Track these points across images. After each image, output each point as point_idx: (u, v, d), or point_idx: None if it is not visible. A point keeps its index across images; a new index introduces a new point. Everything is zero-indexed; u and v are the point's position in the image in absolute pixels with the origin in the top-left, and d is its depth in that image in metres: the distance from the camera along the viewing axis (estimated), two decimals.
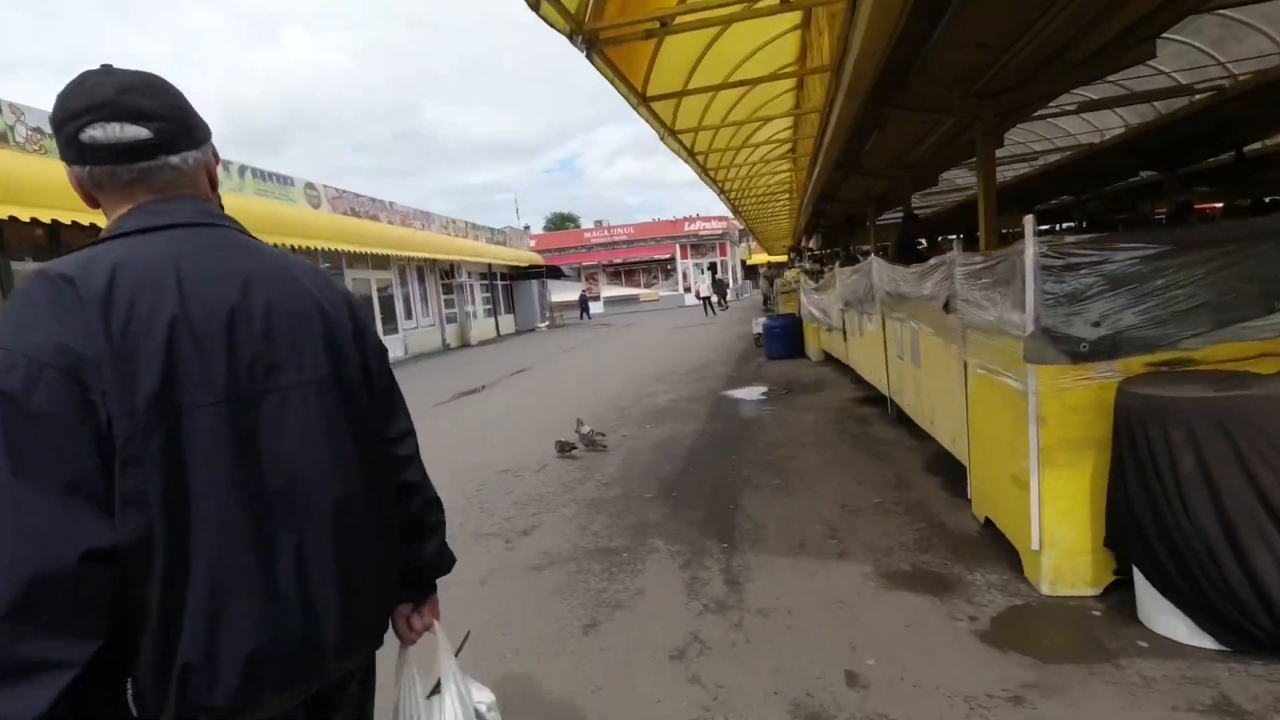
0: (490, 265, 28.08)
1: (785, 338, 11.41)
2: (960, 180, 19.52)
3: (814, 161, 10.29)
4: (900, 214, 23.18)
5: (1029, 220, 2.79)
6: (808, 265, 15.91)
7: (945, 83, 6.98)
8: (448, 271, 23.52)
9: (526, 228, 50.05)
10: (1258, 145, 13.44)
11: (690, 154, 10.83)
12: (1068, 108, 10.55)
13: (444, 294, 23.67)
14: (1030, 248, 2.72)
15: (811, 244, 20.95)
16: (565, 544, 4.10)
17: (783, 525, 4.01)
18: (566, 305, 40.05)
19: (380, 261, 19.30)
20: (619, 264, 42.77)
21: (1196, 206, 23.84)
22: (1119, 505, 2.67)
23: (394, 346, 19.89)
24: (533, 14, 3.64)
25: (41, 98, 14.45)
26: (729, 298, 29.25)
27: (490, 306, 28.64)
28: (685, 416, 7.49)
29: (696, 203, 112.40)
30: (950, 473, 4.43)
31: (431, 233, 22.67)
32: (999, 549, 3.31)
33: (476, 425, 8.37)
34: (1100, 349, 2.67)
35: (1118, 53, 6.49)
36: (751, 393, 8.64)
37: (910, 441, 5.40)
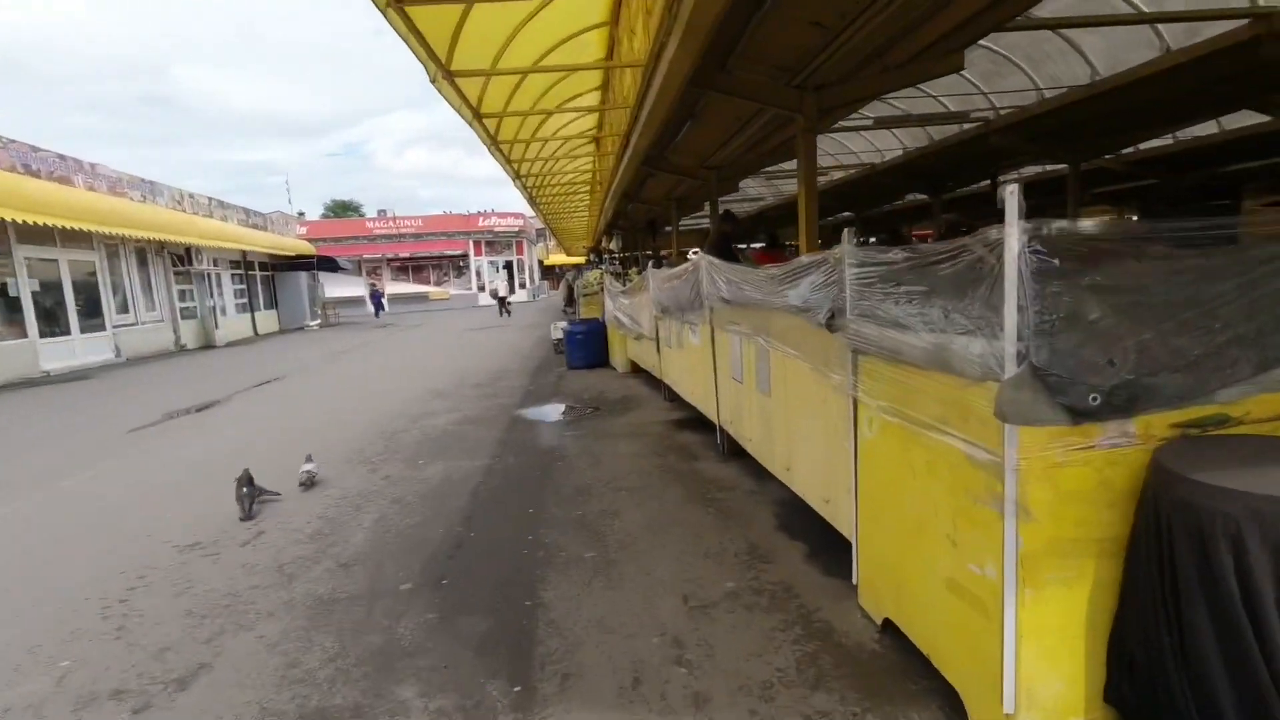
0: (245, 253, 23.78)
1: (588, 345, 10.25)
2: (752, 190, 20.05)
3: (623, 151, 9.28)
4: (705, 218, 23.26)
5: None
6: (610, 267, 15.00)
7: (768, 70, 6.41)
8: (182, 257, 19.26)
9: (301, 214, 44.22)
10: (1014, 175, 15.16)
11: (493, 139, 9.37)
12: (862, 122, 10.78)
13: (178, 284, 19.36)
14: (1015, 233, 1.67)
15: (612, 245, 20.23)
16: (247, 711, 2.42)
17: (606, 643, 2.70)
18: (345, 302, 35.79)
19: (75, 238, 15.02)
20: (406, 259, 39.22)
21: (917, 233, 26.66)
22: (1133, 643, 1.72)
23: (99, 348, 15.65)
24: None
25: None
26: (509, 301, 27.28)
27: (245, 301, 24.28)
28: (471, 447, 5.94)
29: (495, 200, 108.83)
30: (813, 533, 3.45)
31: (157, 206, 18.34)
32: (922, 678, 2.30)
33: (177, 464, 6.06)
34: (1115, 402, 1.69)
35: (931, 61, 6.22)
36: (552, 412, 7.30)
37: (751, 484, 4.41)
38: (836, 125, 9.72)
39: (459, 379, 9.97)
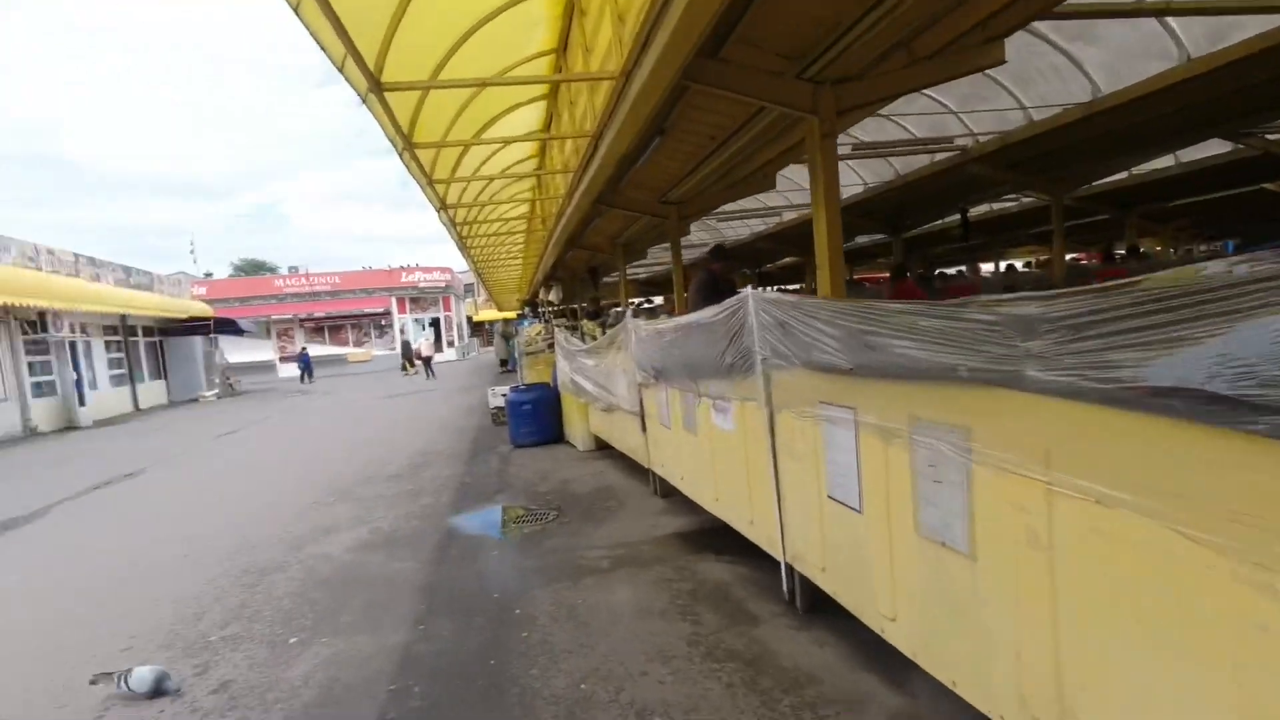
0: (124, 316, 20.61)
1: (538, 417, 8.22)
2: (693, 236, 18.73)
3: (577, 180, 7.56)
4: (655, 264, 21.64)
5: None
6: (558, 321, 13.09)
7: (772, 58, 4.90)
8: (34, 323, 16.13)
9: (208, 274, 40.42)
10: (985, 208, 14.23)
11: (426, 175, 7.57)
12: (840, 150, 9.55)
13: (29, 355, 16.16)
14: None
15: (551, 296, 18.35)
16: None
17: None
18: (254, 367, 32.32)
19: None
20: (321, 318, 36.12)
21: (859, 277, 26.26)
22: None
23: None
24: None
25: None
26: (429, 361, 24.43)
27: (124, 372, 20.96)
28: (378, 602, 3.79)
29: (422, 257, 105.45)
30: None
31: (1, 264, 15.29)
32: None
33: None
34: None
35: (968, 52, 4.98)
36: (499, 521, 5.22)
37: (868, 677, 2.51)
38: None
39: (373, 466, 7.72)
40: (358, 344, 37.26)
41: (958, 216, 13.50)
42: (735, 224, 15.96)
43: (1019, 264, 21.47)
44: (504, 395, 10.09)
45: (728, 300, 3.22)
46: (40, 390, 16.49)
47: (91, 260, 19.66)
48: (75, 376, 17.14)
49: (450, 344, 38.10)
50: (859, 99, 5.10)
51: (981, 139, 9.19)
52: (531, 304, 25.14)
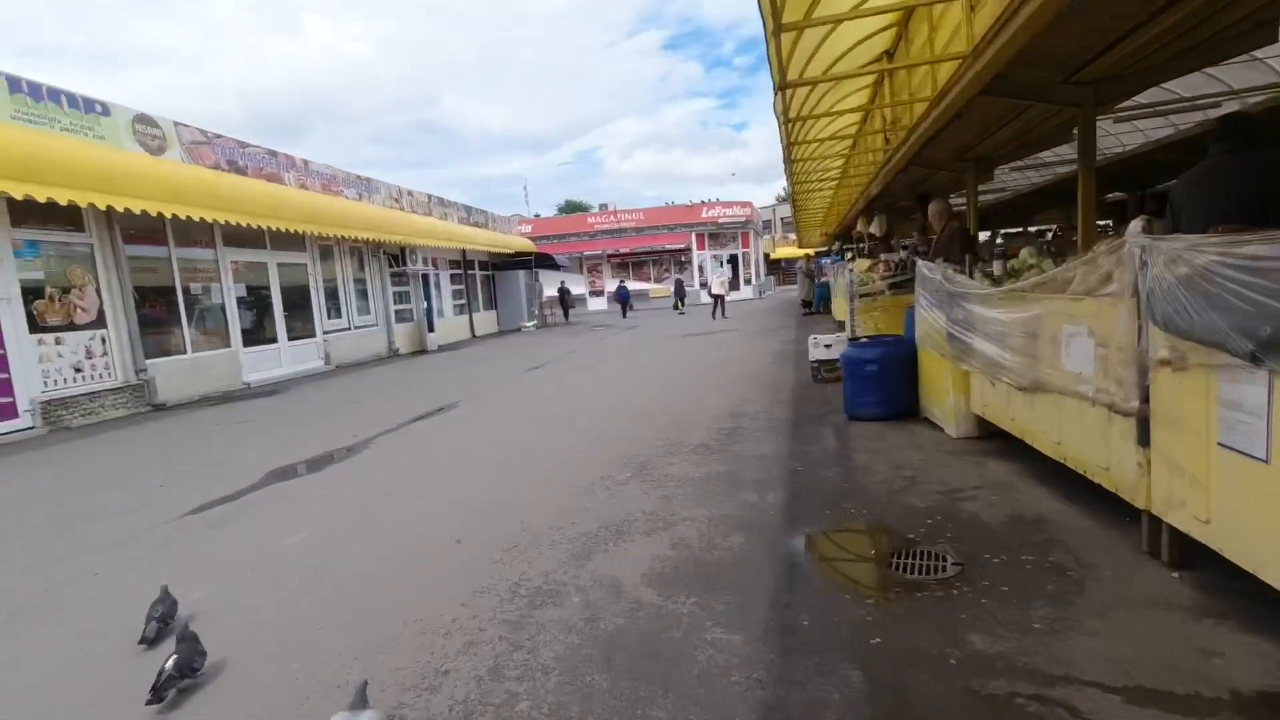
0: (464, 251, 22.91)
1: (886, 382, 6.05)
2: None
3: (962, 69, 5.00)
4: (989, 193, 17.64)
5: None
6: (900, 255, 10.55)
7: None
8: (397, 257, 18.33)
9: (537, 215, 44.77)
10: None
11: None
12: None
13: (393, 285, 18.49)
14: None
15: (873, 228, 15.49)
16: None
17: None
18: (578, 299, 34.80)
19: (286, 240, 14.13)
20: (626, 254, 37.40)
21: None
22: None
23: (307, 356, 14.73)
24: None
25: (69, 84, 10.30)
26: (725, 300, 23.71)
27: (463, 302, 23.48)
28: (698, 682, 2.21)
29: (721, 195, 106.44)
30: None
31: (372, 205, 17.44)
32: None
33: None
34: None
35: (1233, 39, 4.63)
36: (864, 553, 3.34)
37: None
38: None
39: (674, 429, 6.38)
40: (658, 280, 37.99)
41: None
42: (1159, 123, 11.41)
43: None
44: (827, 346, 8.07)
45: None
46: (400, 317, 18.78)
47: (441, 200, 21.88)
48: (425, 305, 19.28)
49: (747, 281, 36.87)
50: (1118, 93, 3.64)
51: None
52: (844, 237, 22.33)
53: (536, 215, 44.43)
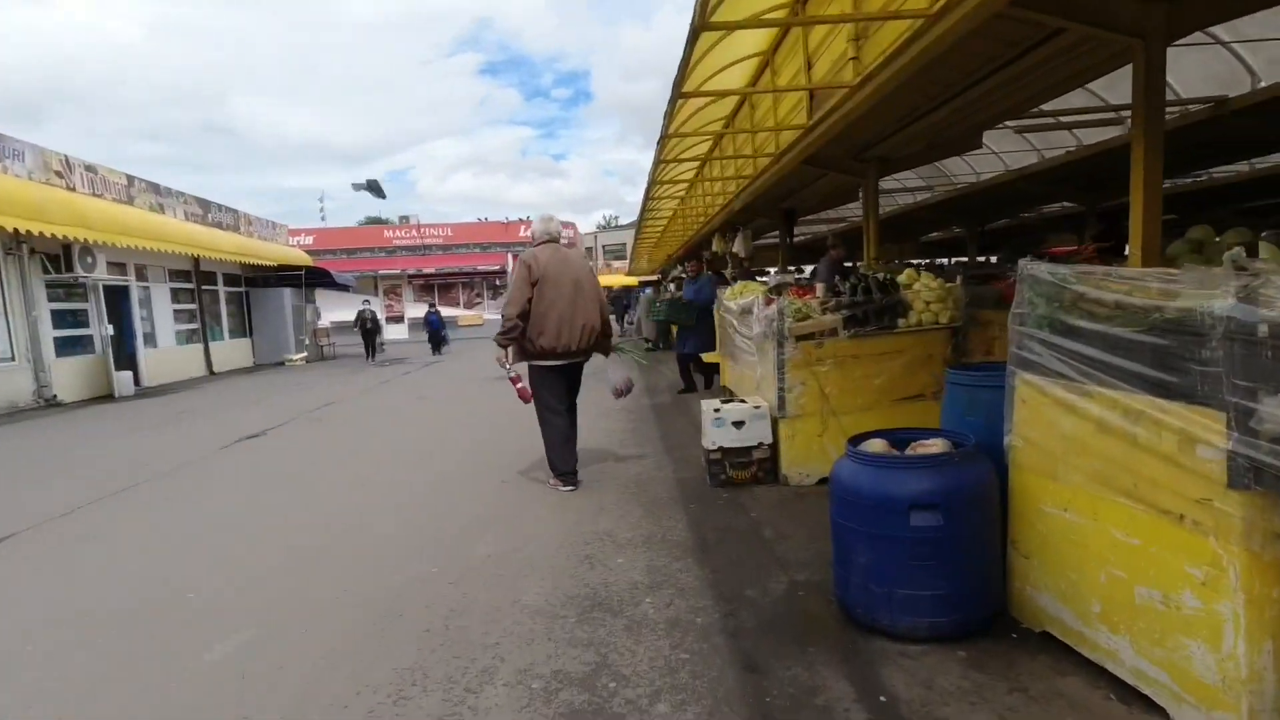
0: (197, 259, 16.91)
1: (957, 552, 2.57)
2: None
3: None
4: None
5: None
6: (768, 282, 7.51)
7: None
8: (54, 259, 12.26)
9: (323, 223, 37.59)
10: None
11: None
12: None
13: (53, 301, 12.38)
14: None
15: (737, 248, 12.64)
16: None
17: None
18: (346, 327, 28.93)
19: None
20: (430, 275, 32.30)
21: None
22: None
23: None
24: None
25: None
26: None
27: (196, 326, 17.38)
28: None
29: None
30: None
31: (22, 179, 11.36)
32: None
33: None
34: None
35: None
36: None
37: None
38: None
39: (503, 581, 2.51)
40: (468, 305, 33.30)
41: None
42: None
43: None
44: (736, 424, 4.63)
45: None
46: (67, 347, 12.70)
47: (155, 186, 15.87)
48: (108, 331, 13.25)
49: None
50: None
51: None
52: (689, 260, 19.59)
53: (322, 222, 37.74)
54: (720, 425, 4.78)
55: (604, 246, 52.99)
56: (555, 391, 4.88)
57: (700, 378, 9.36)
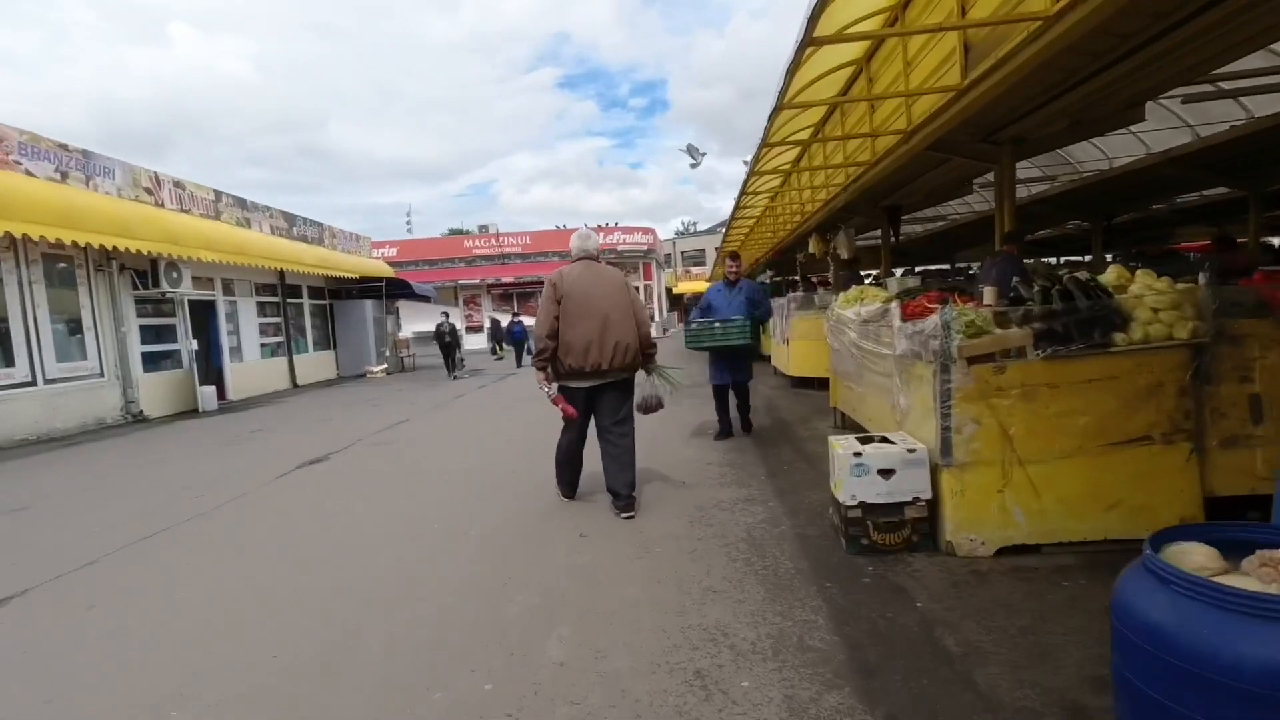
0: (283, 273, 17.04)
1: None
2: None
3: None
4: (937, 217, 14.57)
5: None
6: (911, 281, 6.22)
7: None
8: (145, 275, 12.34)
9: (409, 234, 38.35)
10: None
11: None
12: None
13: (141, 316, 12.47)
14: None
15: (840, 249, 11.35)
16: None
17: None
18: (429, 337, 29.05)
19: None
20: (509, 284, 32.19)
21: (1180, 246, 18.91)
22: None
23: None
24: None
25: None
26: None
27: (281, 340, 17.52)
28: None
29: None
30: None
31: (85, 190, 11.44)
32: None
33: None
34: None
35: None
36: None
37: None
38: None
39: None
40: None
41: None
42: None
43: None
44: (882, 474, 3.45)
45: None
46: (155, 362, 12.75)
47: (241, 201, 16.00)
48: (193, 346, 13.27)
49: (651, 317, 32.63)
50: None
51: None
52: (777, 264, 18.35)
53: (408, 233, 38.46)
54: (863, 474, 3.64)
55: (682, 253, 52.03)
56: (580, 410, 4.80)
57: (736, 417, 7.19)
